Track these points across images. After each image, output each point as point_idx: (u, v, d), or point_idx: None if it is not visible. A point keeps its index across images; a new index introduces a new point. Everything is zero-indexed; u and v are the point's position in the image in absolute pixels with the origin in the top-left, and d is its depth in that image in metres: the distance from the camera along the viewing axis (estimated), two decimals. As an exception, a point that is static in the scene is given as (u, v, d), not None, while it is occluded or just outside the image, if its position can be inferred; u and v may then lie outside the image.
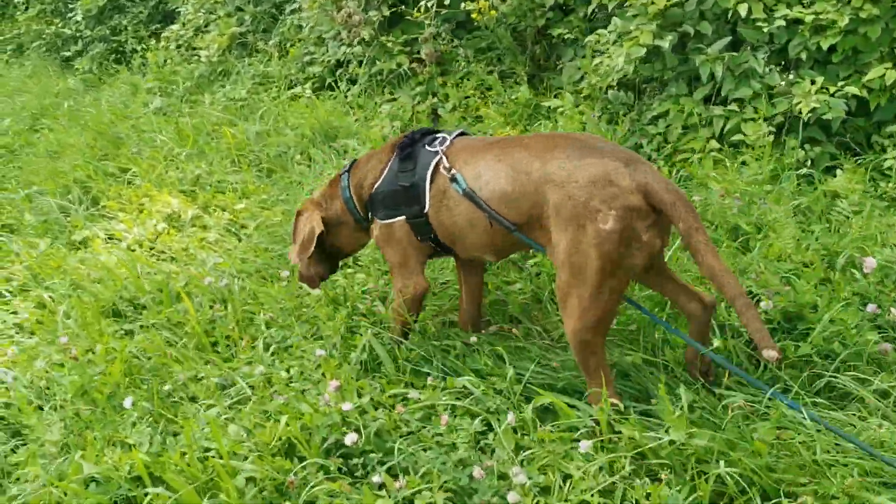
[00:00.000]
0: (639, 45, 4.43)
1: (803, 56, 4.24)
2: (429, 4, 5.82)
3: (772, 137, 3.98)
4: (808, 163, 4.00)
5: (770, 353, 2.49)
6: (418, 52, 6.39)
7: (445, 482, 2.56)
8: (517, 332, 3.36)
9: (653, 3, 4.43)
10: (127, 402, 2.96)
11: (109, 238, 4.93)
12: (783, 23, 4.23)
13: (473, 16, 5.75)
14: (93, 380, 3.25)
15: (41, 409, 3.27)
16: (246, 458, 2.76)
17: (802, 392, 2.76)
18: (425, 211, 3.06)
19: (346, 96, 6.55)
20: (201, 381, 3.32)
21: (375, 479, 2.56)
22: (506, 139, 3.03)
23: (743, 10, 4.25)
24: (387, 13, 6.41)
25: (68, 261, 4.57)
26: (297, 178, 5.34)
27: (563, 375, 3.06)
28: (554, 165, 2.73)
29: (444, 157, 3.02)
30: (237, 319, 3.67)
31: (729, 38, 4.36)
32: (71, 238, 5.04)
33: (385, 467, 2.63)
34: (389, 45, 6.39)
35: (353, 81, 6.74)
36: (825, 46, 4.16)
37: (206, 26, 8.70)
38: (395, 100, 6.25)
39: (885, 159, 3.87)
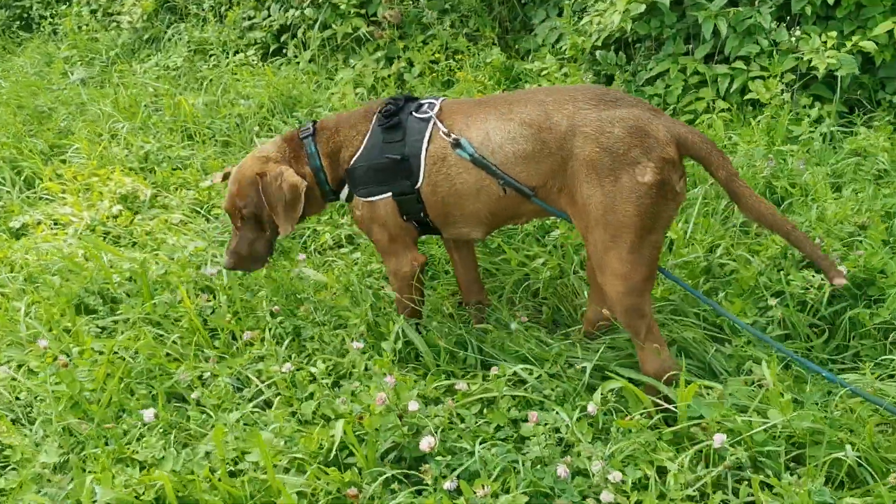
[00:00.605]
0: (638, 0, 4.19)
1: (808, 10, 4.09)
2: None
3: (787, 95, 3.82)
4: (822, 121, 3.87)
5: (839, 280, 2.48)
6: (374, 15, 6.00)
7: (527, 484, 2.29)
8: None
9: (649, -44, 4.20)
10: (148, 415, 2.55)
11: (55, 223, 4.40)
12: (788, -24, 4.08)
13: (440, -26, 5.40)
14: (84, 388, 2.81)
15: (21, 424, 2.82)
16: (288, 471, 2.42)
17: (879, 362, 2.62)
18: (417, 186, 2.78)
19: (297, 63, 6.10)
20: (206, 382, 2.93)
21: (448, 485, 2.27)
22: (501, 97, 2.83)
23: (747, -38, 4.08)
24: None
25: (13, 250, 4.04)
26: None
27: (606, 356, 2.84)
28: (582, 117, 2.56)
29: (438, 123, 2.76)
30: (234, 310, 3.28)
31: (732, -7, 4.18)
32: (7, 225, 4.48)
33: (454, 472, 2.34)
34: (343, 6, 5.97)
35: (302, 47, 6.29)
36: (831, 1, 4.03)
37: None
38: (352, 66, 5.85)
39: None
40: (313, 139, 2.96)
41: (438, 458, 2.36)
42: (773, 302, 2.82)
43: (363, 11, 6.03)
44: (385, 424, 2.38)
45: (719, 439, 2.19)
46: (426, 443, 2.26)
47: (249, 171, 2.93)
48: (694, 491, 2.23)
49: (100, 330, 3.35)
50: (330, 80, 5.80)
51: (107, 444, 2.62)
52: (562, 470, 2.30)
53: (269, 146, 3.02)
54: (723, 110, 3.99)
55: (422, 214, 2.85)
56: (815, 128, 3.71)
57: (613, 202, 2.49)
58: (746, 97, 3.99)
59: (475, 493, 2.21)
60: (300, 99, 5.39)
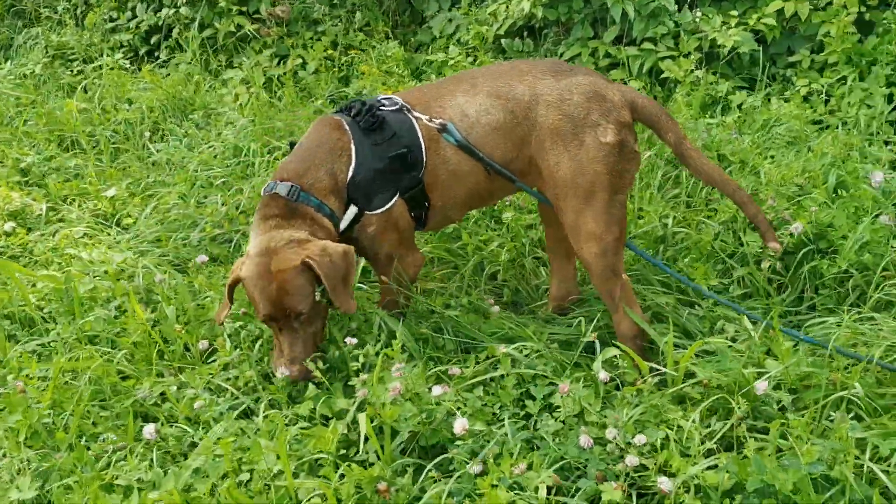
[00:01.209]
0: (546, -13, 4.28)
1: (705, -7, 4.33)
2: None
3: (700, 72, 4.02)
4: (731, 94, 4.10)
5: (774, 245, 2.72)
6: (256, 12, 5.79)
7: (551, 459, 2.27)
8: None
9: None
10: (147, 431, 2.32)
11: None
12: (684, -40, 4.29)
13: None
14: (41, 415, 2.53)
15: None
16: (297, 475, 2.28)
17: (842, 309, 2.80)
18: (422, 176, 2.69)
19: (177, 65, 5.78)
20: (172, 396, 2.71)
21: (475, 468, 2.21)
22: (455, 78, 2.86)
23: (647, -53, 4.26)
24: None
25: None
26: (161, 156, 4.60)
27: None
28: (542, 86, 2.66)
29: (419, 114, 2.68)
30: (186, 320, 3.05)
31: (633, -22, 4.34)
32: None
33: (479, 456, 2.28)
34: (222, 3, 5.71)
35: (178, 48, 5.97)
36: (725, -17, 4.29)
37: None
38: (238, 66, 5.62)
39: (799, 87, 4.05)
40: (300, 189, 2.61)
41: (459, 442, 2.30)
42: (732, 263, 2.96)
43: (245, 9, 5.80)
44: (404, 414, 2.29)
45: (761, 386, 2.26)
46: (459, 424, 2.19)
47: (289, 262, 2.49)
48: (714, 443, 2.29)
49: (32, 355, 3.02)
50: (215, 80, 5.53)
51: (82, 471, 2.37)
52: (584, 440, 2.30)
53: (277, 231, 2.58)
54: (638, 89, 4.14)
55: (427, 204, 2.76)
56: (728, 101, 3.92)
57: (581, 164, 2.59)
58: (662, 76, 4.16)
59: (504, 473, 2.17)
60: (192, 101, 5.11)
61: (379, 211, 2.67)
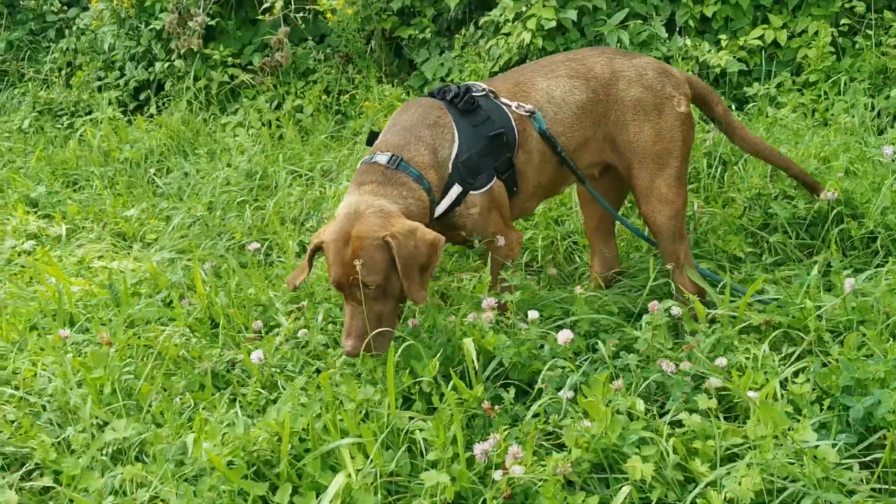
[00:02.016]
0: (545, 18, 4.58)
1: (691, 23, 4.69)
2: (275, 9, 5.48)
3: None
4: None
5: (826, 194, 3.05)
6: (249, 64, 5.97)
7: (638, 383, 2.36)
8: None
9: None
10: (256, 356, 2.32)
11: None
12: (670, -7, 4.68)
13: (328, 16, 5.52)
14: (122, 370, 2.50)
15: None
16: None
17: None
18: (513, 158, 2.75)
19: (171, 114, 5.87)
20: (245, 360, 2.70)
21: (567, 394, 2.28)
22: (529, 67, 2.98)
23: (636, -18, 4.62)
24: (211, 21, 5.90)
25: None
26: (172, 186, 4.64)
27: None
28: (618, 65, 2.86)
29: (507, 101, 2.75)
30: (239, 302, 3.07)
31: (626, 11, 4.69)
32: None
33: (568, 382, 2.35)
34: (217, 56, 5.88)
35: (169, 101, 6.07)
36: (709, 14, 4.66)
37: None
38: (234, 113, 5.74)
39: (787, 102, 4.38)
40: (401, 160, 2.58)
41: (549, 372, 2.36)
42: (763, 234, 3.16)
43: (238, 61, 5.98)
44: (503, 343, 2.36)
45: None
46: (563, 336, 2.26)
47: (371, 231, 2.41)
48: (786, 366, 2.41)
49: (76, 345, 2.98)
50: (214, 124, 5.63)
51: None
52: (666, 365, 2.39)
53: (370, 197, 2.52)
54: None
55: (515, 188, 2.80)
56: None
57: (661, 132, 2.81)
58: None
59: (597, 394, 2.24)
60: (195, 140, 5.19)
61: (482, 190, 2.68)
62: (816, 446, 1.92)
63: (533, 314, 2.40)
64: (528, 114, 2.73)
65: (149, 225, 4.10)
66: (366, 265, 2.38)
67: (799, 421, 2.06)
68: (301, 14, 5.40)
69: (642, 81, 2.82)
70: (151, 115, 5.89)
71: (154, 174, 4.89)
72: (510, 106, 2.73)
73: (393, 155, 2.58)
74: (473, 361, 2.29)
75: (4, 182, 4.79)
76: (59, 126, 6.11)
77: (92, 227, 4.18)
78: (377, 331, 2.42)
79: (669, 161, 2.82)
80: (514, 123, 2.73)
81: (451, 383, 2.20)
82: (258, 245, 3.37)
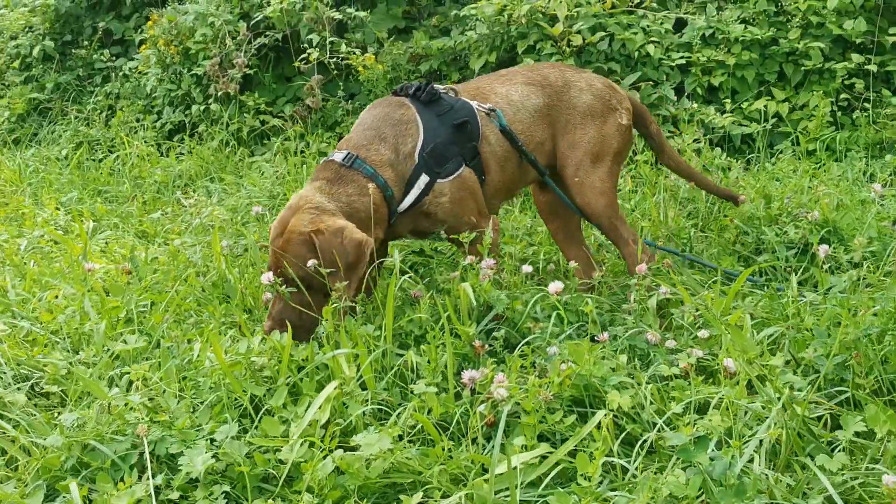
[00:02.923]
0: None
1: (698, 90, 4.99)
2: (311, 57, 5.85)
3: (701, 145, 4.58)
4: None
5: (741, 198, 3.42)
6: (280, 113, 6.32)
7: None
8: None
9: (569, 41, 4.97)
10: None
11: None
12: (682, 62, 4.98)
13: (359, 69, 5.88)
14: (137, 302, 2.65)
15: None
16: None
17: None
18: (478, 147, 2.89)
19: (204, 150, 6.16)
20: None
21: (552, 350, 2.40)
22: (488, 77, 3.23)
23: (650, 49, 4.94)
24: (249, 71, 6.29)
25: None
26: (194, 204, 4.87)
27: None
28: (570, 75, 3.15)
29: (470, 102, 2.90)
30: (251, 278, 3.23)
31: (639, 74, 5.00)
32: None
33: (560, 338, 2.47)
34: (251, 102, 6.23)
35: (200, 142, 6.38)
36: (716, 83, 4.97)
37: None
38: (261, 155, 6.03)
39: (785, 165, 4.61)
40: (358, 159, 2.68)
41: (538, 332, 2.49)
42: (752, 256, 3.32)
43: (271, 109, 6.33)
44: (496, 295, 2.50)
45: (823, 249, 2.61)
46: (554, 287, 2.40)
47: (300, 226, 2.53)
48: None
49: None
50: (241, 163, 5.91)
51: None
52: (650, 336, 2.51)
53: (313, 192, 2.63)
54: (645, 162, 4.65)
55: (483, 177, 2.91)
56: (729, 164, 4.43)
57: (603, 137, 3.09)
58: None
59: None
60: (224, 166, 5.46)
61: (451, 178, 2.79)
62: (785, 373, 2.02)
63: (527, 268, 2.54)
64: (488, 112, 2.91)
65: (171, 228, 4.30)
66: (288, 255, 2.50)
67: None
68: (334, 59, 5.75)
69: (592, 90, 3.10)
70: (181, 153, 6.20)
71: (181, 195, 5.13)
72: (477, 105, 2.91)
73: (349, 153, 2.68)
74: (471, 303, 2.43)
75: (38, 187, 5.03)
76: (94, 159, 6.42)
77: (117, 224, 4.38)
78: (298, 324, 2.46)
79: (605, 159, 3.07)
80: (477, 114, 2.88)
81: (445, 314, 2.33)
82: (259, 209, 3.53)
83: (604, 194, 3.08)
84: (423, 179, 2.78)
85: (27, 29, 7.79)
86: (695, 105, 4.87)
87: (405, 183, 2.76)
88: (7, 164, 5.66)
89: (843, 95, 4.90)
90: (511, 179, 3.06)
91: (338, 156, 2.70)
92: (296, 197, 2.65)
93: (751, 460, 1.82)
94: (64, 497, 1.93)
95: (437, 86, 2.92)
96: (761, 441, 1.90)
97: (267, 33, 6.23)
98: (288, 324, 2.39)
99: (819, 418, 2.09)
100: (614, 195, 3.14)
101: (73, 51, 7.57)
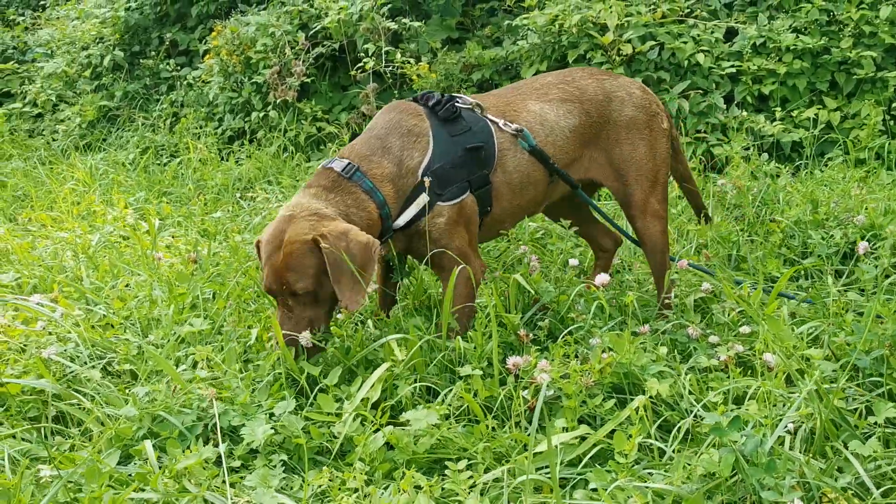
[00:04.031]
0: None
1: (748, 98, 5.03)
2: (367, 65, 6.03)
3: (749, 152, 4.62)
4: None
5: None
6: (336, 121, 6.51)
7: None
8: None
9: (619, 50, 5.06)
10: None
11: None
12: (733, 70, 5.03)
13: (413, 78, 6.04)
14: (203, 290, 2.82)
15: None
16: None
17: None
18: (490, 176, 2.68)
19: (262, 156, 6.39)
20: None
21: (594, 341, 2.49)
22: (521, 86, 2.97)
23: (700, 58, 5.00)
24: (307, 79, 6.50)
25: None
26: (253, 205, 5.07)
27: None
28: (609, 85, 2.93)
29: (496, 119, 2.71)
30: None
31: (688, 82, 5.06)
32: None
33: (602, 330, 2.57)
34: (308, 110, 6.44)
35: (258, 145, 6.61)
36: (766, 92, 5.00)
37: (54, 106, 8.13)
38: (318, 159, 6.23)
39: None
40: (359, 171, 2.51)
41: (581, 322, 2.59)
42: (799, 259, 3.36)
43: (328, 117, 6.52)
44: (545, 288, 2.60)
45: (863, 246, 2.66)
46: (600, 279, 2.50)
47: (301, 235, 2.35)
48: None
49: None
50: (298, 168, 6.11)
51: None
52: (691, 331, 2.59)
53: (309, 199, 2.46)
54: (693, 169, 4.69)
55: (489, 209, 2.72)
56: (778, 171, 4.46)
57: (653, 149, 2.93)
58: (713, 160, 4.77)
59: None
60: (282, 170, 5.66)
61: (452, 202, 2.58)
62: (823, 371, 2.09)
63: (573, 262, 2.64)
64: (515, 133, 2.69)
65: (232, 223, 4.49)
66: (296, 271, 2.32)
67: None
68: (389, 68, 5.92)
69: (633, 101, 2.91)
70: (240, 158, 6.43)
71: (240, 198, 5.34)
72: (497, 123, 2.69)
73: (349, 163, 2.51)
74: (519, 292, 2.53)
75: (108, 188, 5.29)
76: (159, 163, 6.69)
77: (181, 222, 4.59)
78: (307, 338, 2.35)
79: (659, 177, 2.95)
80: (496, 140, 2.67)
81: (493, 304, 2.43)
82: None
83: (660, 219, 2.96)
84: (423, 198, 2.55)
85: (98, 40, 8.14)
86: (744, 113, 4.91)
87: (404, 200, 2.56)
88: (79, 166, 5.94)
89: (895, 104, 4.89)
90: (532, 201, 2.85)
91: (337, 164, 2.52)
92: (287, 207, 2.46)
93: (782, 442, 1.89)
94: (135, 462, 2.09)
95: (465, 97, 2.73)
96: (796, 427, 1.97)
97: (324, 43, 6.45)
98: (302, 344, 2.32)
99: (854, 410, 2.15)
100: (667, 219, 3.00)
101: (141, 61, 7.88)
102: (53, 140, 7.56)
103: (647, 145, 2.92)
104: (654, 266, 3.02)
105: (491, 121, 2.70)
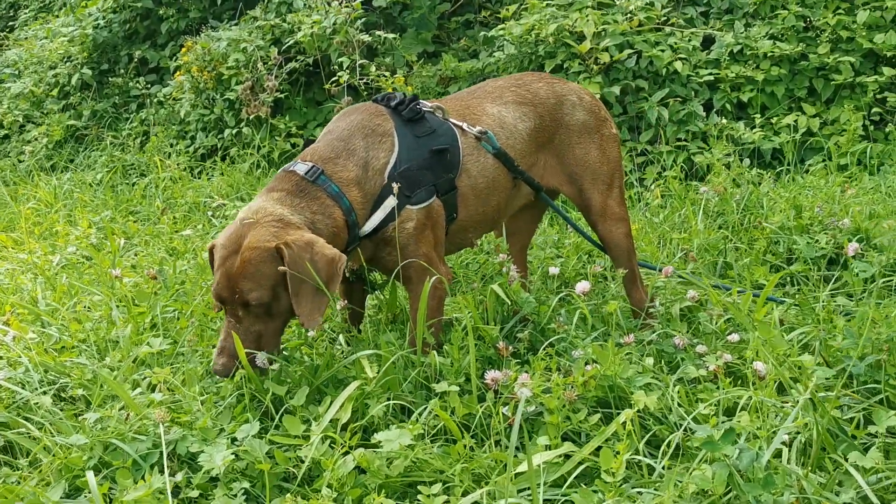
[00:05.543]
0: (589, 92, 4.89)
1: (727, 106, 4.96)
2: (342, 79, 5.91)
3: (730, 159, 4.53)
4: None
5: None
6: (311, 137, 6.38)
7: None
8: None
9: (597, 59, 4.98)
10: None
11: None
12: (711, 78, 4.96)
13: (389, 91, 5.93)
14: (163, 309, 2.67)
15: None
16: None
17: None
18: (455, 181, 2.56)
19: (234, 173, 6.24)
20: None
21: (576, 353, 2.37)
22: (476, 90, 2.88)
23: (678, 66, 4.93)
24: (280, 95, 6.37)
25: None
26: (223, 221, 4.93)
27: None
28: (560, 89, 2.87)
29: (459, 122, 2.60)
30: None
31: (667, 90, 4.98)
32: None
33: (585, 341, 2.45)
34: (282, 126, 6.31)
35: (231, 163, 6.47)
36: (745, 99, 4.93)
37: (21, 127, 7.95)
38: (291, 176, 6.09)
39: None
40: (323, 174, 2.35)
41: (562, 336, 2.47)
42: (784, 265, 3.26)
43: (302, 132, 6.39)
44: (526, 298, 2.48)
45: (853, 248, 2.54)
46: (581, 287, 2.38)
47: (262, 241, 2.17)
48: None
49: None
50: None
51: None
52: (678, 340, 2.48)
53: (273, 204, 2.28)
54: (674, 177, 4.61)
55: (455, 215, 2.59)
56: (761, 177, 4.39)
57: (605, 152, 2.86)
58: (694, 169, 4.68)
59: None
60: (255, 188, 5.52)
61: (420, 206, 2.44)
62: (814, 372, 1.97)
63: (553, 270, 2.52)
64: (479, 135, 2.60)
65: (202, 241, 4.34)
66: (252, 279, 2.16)
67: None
68: (364, 81, 5.81)
69: (583, 105, 2.86)
70: (213, 176, 6.28)
71: (212, 216, 5.18)
72: (461, 126, 2.59)
73: (313, 166, 2.34)
74: (498, 303, 2.41)
75: (72, 208, 5.12)
76: (128, 182, 6.53)
77: (148, 241, 4.43)
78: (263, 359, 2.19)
79: (614, 179, 2.87)
80: (460, 143, 2.56)
81: (469, 315, 2.30)
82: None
83: (623, 222, 2.89)
84: (391, 202, 2.40)
85: (66, 58, 7.99)
86: (724, 121, 4.83)
87: (371, 204, 2.41)
88: (42, 186, 5.77)
89: (874, 109, 4.84)
90: (496, 209, 2.71)
91: (300, 167, 2.35)
92: (247, 210, 2.27)
93: (778, 455, 1.77)
94: (86, 495, 1.93)
95: (424, 102, 2.61)
96: (792, 439, 1.85)
97: (298, 58, 6.32)
98: (243, 358, 2.13)
99: (851, 419, 2.03)
100: (629, 224, 2.92)
101: (110, 79, 7.73)
102: (20, 161, 7.38)
103: (599, 149, 2.86)
104: (623, 268, 2.85)
105: (454, 124, 2.59)
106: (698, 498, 1.72)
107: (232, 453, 1.95)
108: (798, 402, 1.92)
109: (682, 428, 1.99)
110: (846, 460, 1.80)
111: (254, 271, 2.16)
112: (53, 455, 2.06)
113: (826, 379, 2.03)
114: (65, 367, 2.53)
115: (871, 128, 4.83)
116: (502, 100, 2.78)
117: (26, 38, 9.12)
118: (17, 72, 8.62)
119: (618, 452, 1.83)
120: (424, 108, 2.57)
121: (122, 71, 7.69)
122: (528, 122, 2.76)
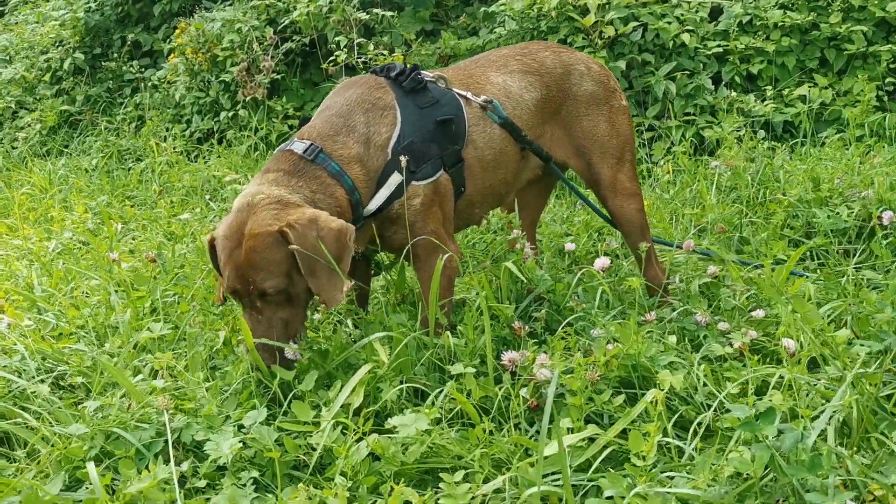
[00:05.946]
0: (595, 67, 4.76)
1: (736, 79, 4.84)
2: (339, 59, 5.78)
3: (740, 133, 4.42)
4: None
5: None
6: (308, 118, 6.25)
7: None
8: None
9: (602, 33, 4.85)
10: None
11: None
12: (719, 50, 4.84)
13: (387, 70, 5.79)
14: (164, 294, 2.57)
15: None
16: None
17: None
18: (462, 152, 2.45)
19: (230, 157, 6.13)
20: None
21: (596, 332, 2.27)
22: (481, 58, 2.76)
23: (685, 38, 4.80)
24: (276, 76, 6.24)
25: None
26: (221, 204, 4.81)
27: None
28: (567, 58, 2.75)
29: (462, 92, 2.49)
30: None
31: (674, 64, 4.86)
32: None
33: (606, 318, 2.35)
34: (279, 107, 6.18)
35: (228, 147, 6.35)
36: (755, 71, 4.81)
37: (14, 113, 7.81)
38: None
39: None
40: (322, 152, 2.23)
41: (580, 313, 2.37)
42: (803, 239, 3.16)
43: (300, 113, 6.27)
44: (541, 275, 2.38)
45: (887, 216, 2.38)
46: (600, 263, 2.28)
47: (264, 226, 2.07)
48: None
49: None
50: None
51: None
52: (699, 317, 2.38)
53: (269, 186, 2.16)
54: (684, 153, 4.50)
55: (462, 189, 2.49)
56: (773, 151, 4.27)
57: (615, 125, 2.73)
58: (704, 143, 4.56)
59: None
60: (252, 170, 5.41)
61: (427, 181, 2.34)
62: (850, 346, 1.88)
63: (570, 245, 2.42)
64: (484, 104, 2.49)
65: (200, 224, 4.23)
66: (262, 269, 2.05)
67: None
68: (362, 60, 5.68)
69: (591, 75, 2.74)
70: (208, 159, 6.15)
71: (209, 199, 5.07)
72: (465, 96, 2.48)
73: (312, 144, 2.23)
74: (511, 281, 2.30)
75: (68, 193, 5.00)
76: (124, 167, 6.40)
77: (145, 226, 4.32)
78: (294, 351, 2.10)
79: (625, 153, 2.75)
80: (465, 113, 2.45)
81: (482, 294, 2.20)
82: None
83: (635, 197, 2.76)
84: (396, 178, 2.29)
85: (58, 43, 7.84)
86: (733, 94, 4.71)
87: (375, 182, 2.30)
88: (37, 171, 5.65)
89: (889, 79, 4.72)
90: (504, 182, 2.61)
91: (298, 146, 2.23)
92: (243, 196, 2.15)
93: (823, 435, 1.68)
94: (87, 487, 1.84)
95: (425, 72, 2.48)
96: (830, 417, 1.75)
97: (294, 38, 6.19)
98: (276, 349, 2.06)
99: (888, 397, 1.94)
100: (642, 197, 2.80)
101: (103, 63, 7.59)
102: (13, 148, 7.24)
103: (608, 121, 2.74)
104: (634, 247, 2.77)
105: (458, 94, 2.47)
106: (734, 481, 1.63)
107: (239, 441, 1.86)
108: (835, 378, 1.82)
109: (712, 408, 1.89)
110: (888, 439, 1.71)
111: (262, 260, 2.05)
112: (52, 445, 1.96)
113: (866, 354, 1.93)
114: (63, 355, 2.42)
115: (886, 98, 4.71)
116: (507, 69, 2.66)
117: (17, 23, 8.97)
118: (7, 57, 8.46)
119: (647, 434, 1.74)
120: (426, 78, 2.45)
121: (115, 55, 7.55)
122: (535, 91, 2.65)
